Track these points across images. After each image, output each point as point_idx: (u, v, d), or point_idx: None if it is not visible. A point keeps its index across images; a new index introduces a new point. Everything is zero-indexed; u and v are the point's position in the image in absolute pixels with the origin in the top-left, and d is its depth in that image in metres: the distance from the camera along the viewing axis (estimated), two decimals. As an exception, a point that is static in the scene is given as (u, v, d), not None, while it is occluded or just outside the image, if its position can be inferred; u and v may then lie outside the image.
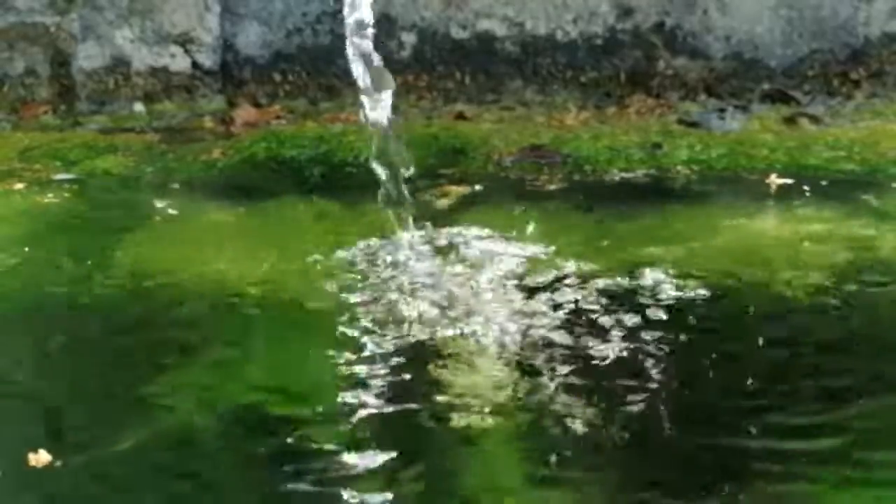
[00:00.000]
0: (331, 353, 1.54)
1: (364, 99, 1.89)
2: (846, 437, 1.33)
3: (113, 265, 1.86)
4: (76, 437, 1.38)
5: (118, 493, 1.27)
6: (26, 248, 1.93)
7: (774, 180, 2.22)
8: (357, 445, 1.32)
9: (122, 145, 2.52)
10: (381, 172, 1.89)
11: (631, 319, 1.62)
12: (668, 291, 1.71)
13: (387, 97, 1.88)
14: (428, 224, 1.93)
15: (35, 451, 1.30)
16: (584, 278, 1.76)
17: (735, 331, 1.62)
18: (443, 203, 2.14)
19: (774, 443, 1.33)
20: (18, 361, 1.58)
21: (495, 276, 1.77)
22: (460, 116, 2.70)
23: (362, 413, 1.40)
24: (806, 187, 2.18)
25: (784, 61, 2.76)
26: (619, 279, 1.75)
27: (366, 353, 1.54)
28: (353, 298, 1.71)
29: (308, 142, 2.49)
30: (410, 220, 1.92)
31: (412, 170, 1.90)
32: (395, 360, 1.52)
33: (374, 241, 1.91)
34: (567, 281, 1.75)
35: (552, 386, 1.45)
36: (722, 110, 2.67)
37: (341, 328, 1.61)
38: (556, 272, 1.78)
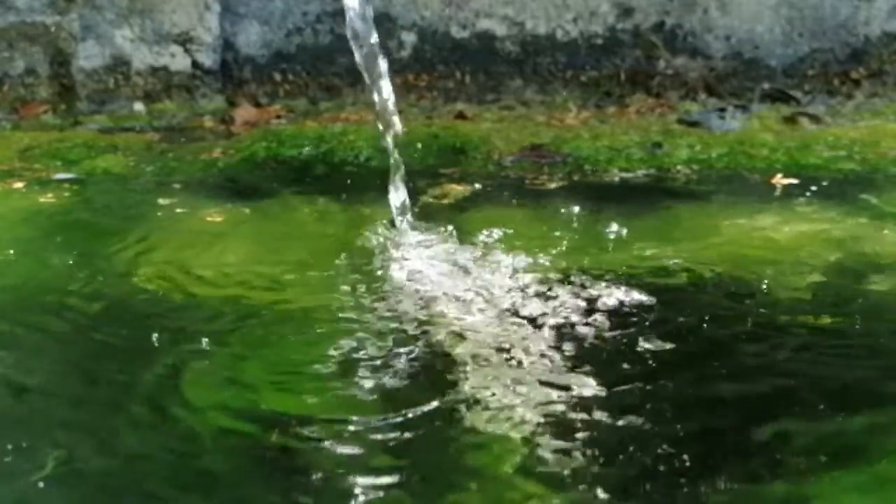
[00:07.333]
0: (331, 352, 1.54)
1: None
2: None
3: (113, 264, 1.86)
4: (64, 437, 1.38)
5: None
6: (26, 248, 1.93)
7: (780, 180, 2.22)
8: (356, 444, 1.33)
9: (122, 145, 2.52)
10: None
11: (627, 318, 1.62)
12: (667, 291, 1.71)
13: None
14: (428, 223, 1.94)
15: None
16: (585, 277, 1.76)
17: (733, 329, 1.62)
18: (443, 202, 2.14)
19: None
20: (14, 359, 1.57)
21: (495, 276, 1.77)
22: (460, 116, 2.70)
23: (360, 414, 1.40)
24: (806, 187, 2.18)
25: (784, 61, 2.76)
26: (619, 279, 1.76)
27: (366, 354, 1.53)
28: (354, 298, 1.71)
29: (308, 141, 2.49)
30: (411, 219, 1.92)
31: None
32: (396, 362, 1.51)
33: (374, 241, 1.91)
34: (568, 280, 1.75)
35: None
36: (722, 110, 2.67)
37: (342, 328, 1.61)
38: (555, 271, 1.78)
